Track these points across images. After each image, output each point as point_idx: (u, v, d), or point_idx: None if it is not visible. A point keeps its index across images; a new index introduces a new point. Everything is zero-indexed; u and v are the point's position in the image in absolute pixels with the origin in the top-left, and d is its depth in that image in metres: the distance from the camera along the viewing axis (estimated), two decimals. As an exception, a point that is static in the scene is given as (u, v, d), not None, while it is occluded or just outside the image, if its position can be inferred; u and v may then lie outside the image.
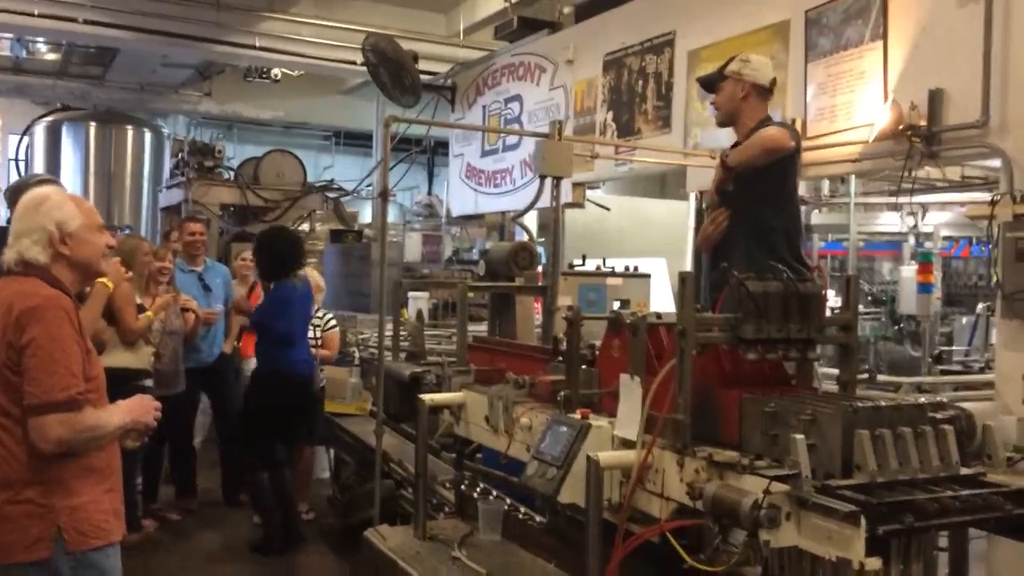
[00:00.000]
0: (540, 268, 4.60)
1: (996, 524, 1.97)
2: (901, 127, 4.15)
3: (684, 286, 2.25)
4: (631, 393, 2.32)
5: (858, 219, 8.33)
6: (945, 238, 9.26)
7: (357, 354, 5.83)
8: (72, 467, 2.43)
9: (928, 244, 8.71)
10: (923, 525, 1.80)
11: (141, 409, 2.62)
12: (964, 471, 1.99)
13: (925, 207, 8.66)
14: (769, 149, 3.68)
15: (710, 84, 3.93)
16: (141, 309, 5.17)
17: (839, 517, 1.73)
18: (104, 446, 2.52)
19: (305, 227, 9.59)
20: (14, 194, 4.07)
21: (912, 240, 8.69)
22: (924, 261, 7.45)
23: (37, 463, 2.39)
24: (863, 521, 1.69)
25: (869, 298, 9.17)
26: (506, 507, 3.42)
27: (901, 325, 8.30)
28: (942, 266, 9.10)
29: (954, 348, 8.02)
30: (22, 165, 13.18)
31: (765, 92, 3.84)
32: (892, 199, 8.00)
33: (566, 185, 4.76)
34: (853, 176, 6.97)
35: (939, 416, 2.06)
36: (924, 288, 7.31)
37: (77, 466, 2.44)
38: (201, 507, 6.03)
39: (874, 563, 1.71)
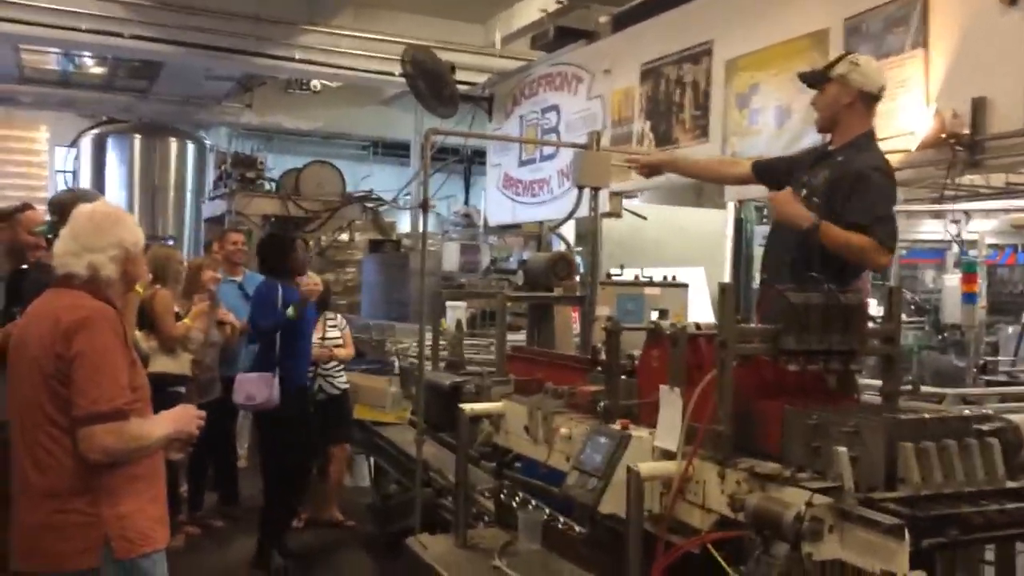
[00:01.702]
0: (578, 278, 4.62)
1: (1043, 538, 1.95)
2: (944, 135, 4.10)
3: (724, 296, 2.26)
4: (671, 404, 2.33)
5: (900, 227, 8.23)
6: (990, 246, 9.14)
7: (397, 363, 5.88)
8: (118, 476, 2.49)
9: (972, 252, 8.60)
10: (968, 539, 1.79)
11: (185, 419, 2.68)
12: (1010, 484, 1.97)
13: (969, 214, 8.55)
14: (855, 261, 3.30)
15: (814, 82, 3.51)
16: (178, 317, 5.28)
17: (882, 530, 1.72)
18: (150, 455, 2.58)
19: (344, 236, 9.68)
20: (61, 207, 4.16)
21: (956, 248, 8.58)
22: (968, 271, 7.34)
23: (84, 473, 2.45)
24: (907, 534, 1.69)
25: (912, 307, 9.06)
26: (545, 517, 3.43)
27: (945, 335, 8.20)
28: (987, 274, 8.97)
29: (1000, 358, 7.89)
30: (69, 177, 13.49)
31: (873, 100, 3.44)
32: (935, 207, 7.91)
33: (604, 195, 4.77)
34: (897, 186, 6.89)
35: (984, 428, 2.04)
36: (969, 298, 7.21)
37: (123, 475, 2.50)
38: (245, 513, 6.11)
39: (917, 576, 1.70)
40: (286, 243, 5.65)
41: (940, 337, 8.16)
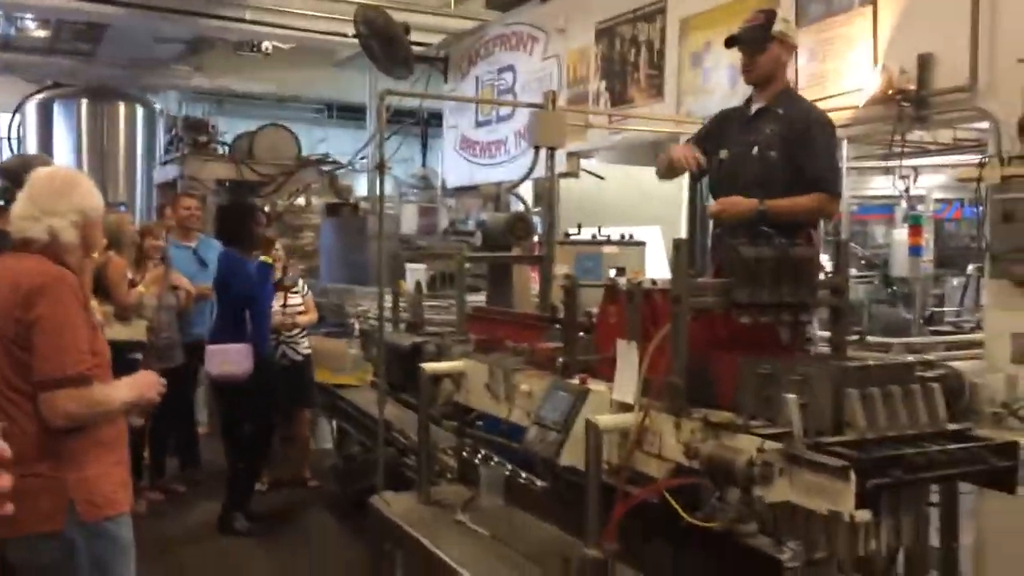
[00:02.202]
0: (536, 238, 4.65)
1: (983, 477, 2.04)
2: (891, 92, 4.19)
3: (678, 252, 2.31)
4: (628, 358, 2.38)
5: (850, 183, 8.35)
6: (937, 200, 9.31)
7: (356, 326, 5.89)
8: (82, 441, 2.49)
9: (920, 207, 8.77)
10: (912, 478, 1.87)
11: (146, 385, 2.68)
12: (952, 427, 2.06)
13: (917, 170, 8.70)
14: (811, 219, 3.60)
15: (758, 44, 3.60)
16: (132, 284, 5.23)
17: (830, 472, 1.79)
18: (112, 420, 2.58)
19: (300, 201, 9.59)
20: (12, 172, 4.09)
21: (904, 203, 8.74)
22: (914, 224, 7.51)
23: (47, 437, 2.45)
24: (853, 475, 1.76)
25: (862, 262, 9.24)
26: (507, 472, 3.50)
27: (894, 288, 8.38)
28: (934, 228, 9.16)
29: (945, 309, 8.10)
30: (15, 143, 13.14)
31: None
32: (884, 163, 8.04)
33: (560, 155, 4.79)
34: (845, 141, 7.00)
35: (927, 375, 2.12)
36: (915, 251, 7.38)
37: (87, 440, 2.50)
38: (207, 478, 6.12)
39: (864, 515, 1.78)
40: (246, 212, 5.59)
41: (890, 291, 8.35)
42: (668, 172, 3.83)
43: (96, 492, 2.49)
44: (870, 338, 4.14)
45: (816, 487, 1.84)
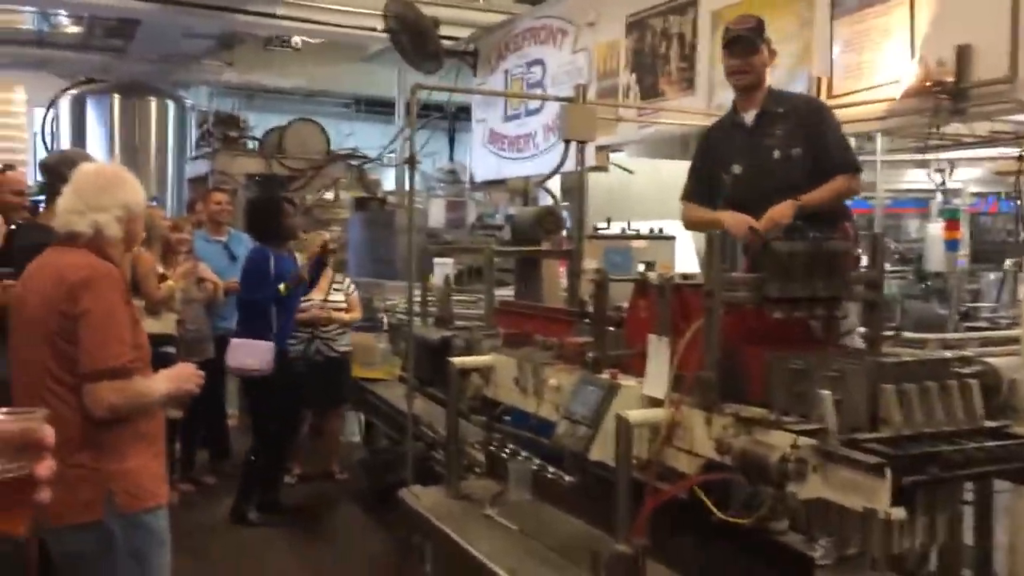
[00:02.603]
0: (565, 232, 4.63)
1: (1020, 474, 2.00)
2: (928, 84, 4.11)
3: (710, 246, 2.28)
4: (659, 353, 2.36)
5: (885, 176, 8.26)
6: (973, 194, 9.18)
7: (385, 320, 5.91)
8: (123, 433, 2.52)
9: (956, 201, 8.64)
10: (948, 476, 1.84)
11: (184, 377, 2.71)
12: (989, 424, 2.02)
13: (953, 163, 8.58)
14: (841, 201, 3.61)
15: (753, 46, 3.61)
16: (163, 278, 5.28)
17: (864, 469, 1.77)
18: (152, 413, 2.61)
19: (329, 195, 9.63)
20: (51, 168, 4.13)
21: (940, 197, 8.62)
22: (950, 218, 7.39)
23: (89, 429, 2.48)
24: (888, 472, 1.73)
25: (896, 256, 9.12)
26: (535, 467, 3.49)
27: (928, 283, 8.26)
28: (970, 223, 9.03)
29: (981, 304, 7.97)
30: (49, 138, 13.31)
31: None
32: (919, 156, 7.94)
33: (590, 149, 4.76)
34: (879, 133, 6.91)
35: (964, 371, 2.08)
36: (951, 245, 7.27)
37: (127, 432, 2.53)
38: (235, 470, 6.17)
39: (899, 513, 1.75)
40: (274, 206, 5.58)
41: (923, 286, 8.23)
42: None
43: (135, 484, 2.52)
44: (906, 334, 4.07)
45: (850, 484, 1.81)
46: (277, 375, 5.22)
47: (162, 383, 2.63)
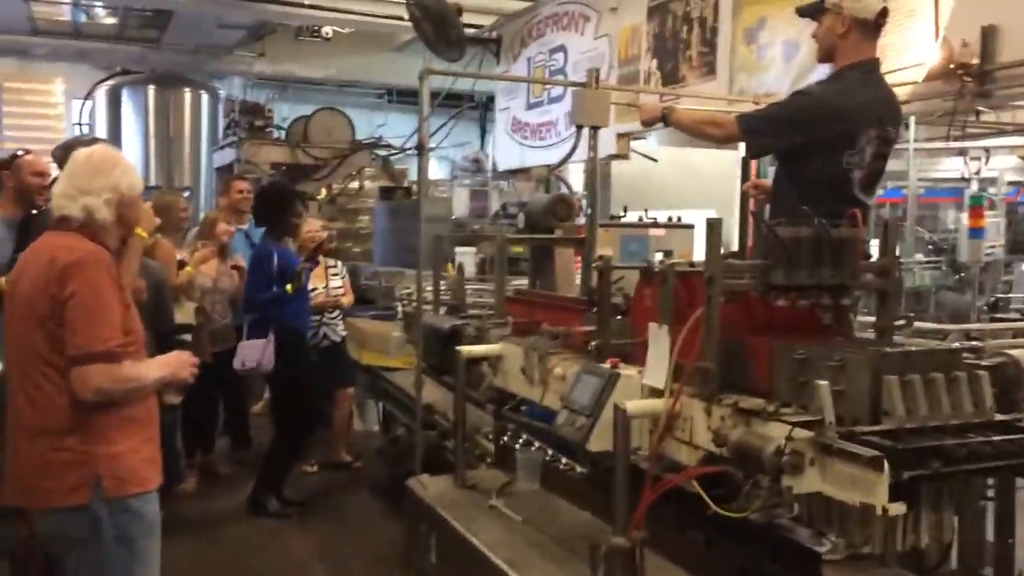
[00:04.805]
0: (582, 220, 4.56)
1: (1033, 470, 1.92)
2: (952, 66, 3.98)
3: (711, 232, 2.22)
4: (659, 341, 2.31)
5: (918, 164, 8.07)
6: (1010, 183, 8.95)
7: (401, 309, 5.89)
8: (112, 417, 2.51)
9: (992, 190, 8.43)
10: (951, 470, 1.76)
11: (178, 364, 2.70)
12: (999, 417, 1.94)
13: (989, 151, 8.36)
14: (715, 137, 3.68)
15: (811, 13, 3.39)
16: (181, 265, 5.29)
17: (862, 462, 1.70)
18: (143, 397, 2.60)
19: (355, 184, 9.64)
20: (64, 152, 4.17)
21: (975, 186, 8.41)
22: (975, 204, 7.16)
23: (78, 412, 2.48)
24: (886, 466, 1.67)
25: (930, 247, 8.93)
26: (546, 458, 3.45)
27: (962, 274, 8.08)
28: (1007, 212, 8.80)
29: (1012, 295, 7.77)
30: (86, 129, 13.47)
31: (870, 28, 3.27)
32: (955, 144, 7.74)
33: (607, 136, 4.68)
34: (913, 119, 6.74)
35: (976, 362, 2.00)
36: (975, 233, 7.06)
37: (117, 416, 2.52)
38: (256, 459, 6.20)
39: (897, 508, 1.68)
40: (287, 198, 5.58)
41: (957, 277, 8.04)
42: None
43: (123, 468, 2.51)
44: (924, 324, 3.94)
45: (848, 478, 1.75)
46: (297, 366, 5.26)
47: (155, 369, 2.63)
